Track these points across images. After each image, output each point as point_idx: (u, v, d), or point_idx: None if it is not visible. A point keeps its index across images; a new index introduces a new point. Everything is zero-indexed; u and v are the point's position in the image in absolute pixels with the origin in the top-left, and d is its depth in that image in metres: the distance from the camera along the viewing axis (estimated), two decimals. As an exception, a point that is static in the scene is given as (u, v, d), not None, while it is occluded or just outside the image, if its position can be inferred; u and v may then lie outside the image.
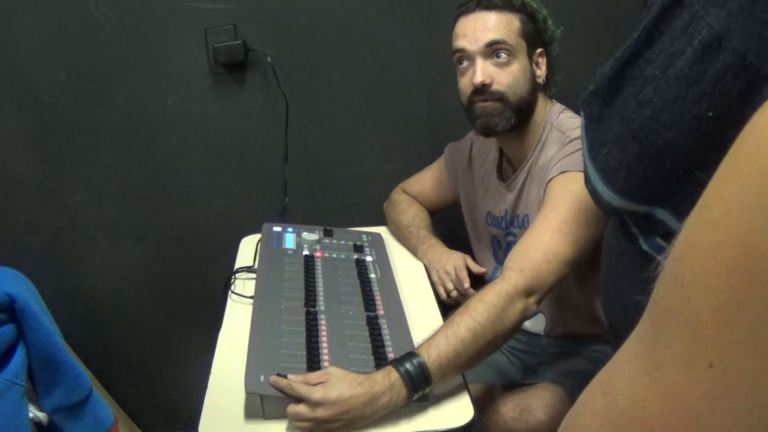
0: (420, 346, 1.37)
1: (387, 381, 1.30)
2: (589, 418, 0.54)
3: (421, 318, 1.67)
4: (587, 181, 1.03)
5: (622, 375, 0.51)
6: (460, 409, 1.38)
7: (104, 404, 1.79)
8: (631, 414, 0.49)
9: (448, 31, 1.74)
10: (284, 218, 2.29)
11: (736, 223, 0.41)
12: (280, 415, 1.33)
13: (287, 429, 1.33)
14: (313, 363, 1.40)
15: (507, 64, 1.66)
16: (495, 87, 1.66)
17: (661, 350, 0.47)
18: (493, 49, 1.65)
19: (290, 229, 2.01)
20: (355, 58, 2.20)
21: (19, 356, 1.55)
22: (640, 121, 0.88)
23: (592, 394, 0.55)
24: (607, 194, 0.97)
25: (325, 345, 1.47)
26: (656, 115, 0.86)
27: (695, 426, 0.44)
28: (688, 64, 0.83)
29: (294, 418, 1.30)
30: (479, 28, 1.66)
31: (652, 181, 0.94)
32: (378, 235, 2.07)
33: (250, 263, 1.96)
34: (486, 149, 1.96)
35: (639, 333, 0.50)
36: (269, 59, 2.15)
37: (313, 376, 1.33)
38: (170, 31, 2.15)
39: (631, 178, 0.93)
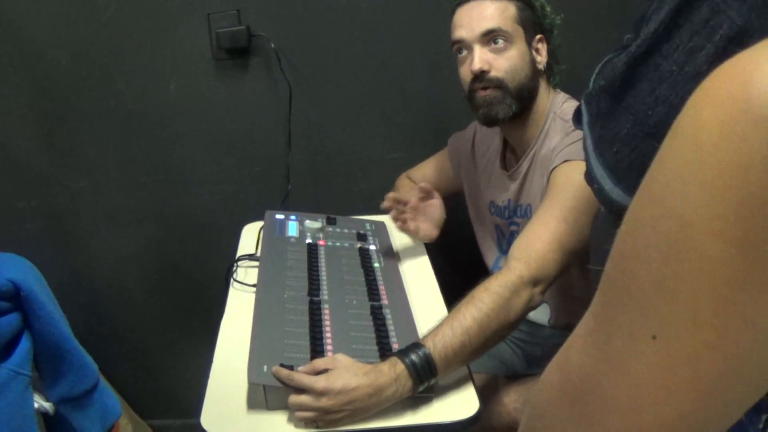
0: (425, 336, 1.36)
1: (393, 372, 1.29)
2: (548, 392, 0.56)
3: (425, 307, 1.66)
4: (592, 179, 1.01)
5: (576, 348, 0.52)
6: (466, 401, 1.37)
7: (111, 394, 1.77)
8: (583, 387, 0.50)
9: (450, 19, 1.73)
10: (287, 206, 2.28)
11: (672, 196, 0.43)
12: (283, 406, 1.32)
13: (290, 420, 1.32)
14: (317, 353, 1.39)
15: (504, 50, 1.66)
16: (493, 73, 1.65)
17: (608, 323, 0.48)
18: (490, 37, 1.65)
19: (293, 217, 2.00)
20: (359, 45, 2.18)
21: (24, 345, 1.53)
22: (656, 118, 0.86)
23: (551, 369, 0.56)
24: (616, 193, 0.95)
25: (328, 335, 1.47)
26: (673, 113, 0.84)
27: (642, 398, 0.46)
28: (708, 60, 0.80)
29: (297, 408, 1.29)
30: (475, 17, 1.66)
31: None
32: (381, 224, 2.06)
33: (252, 251, 1.95)
34: (489, 138, 1.95)
35: (592, 307, 0.52)
36: (273, 45, 2.14)
37: (321, 362, 1.32)
38: (173, 16, 2.13)
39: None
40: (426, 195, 1.88)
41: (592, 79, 1.15)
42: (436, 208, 1.91)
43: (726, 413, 0.46)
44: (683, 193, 0.42)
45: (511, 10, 1.66)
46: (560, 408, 0.53)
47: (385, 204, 1.82)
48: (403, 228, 1.86)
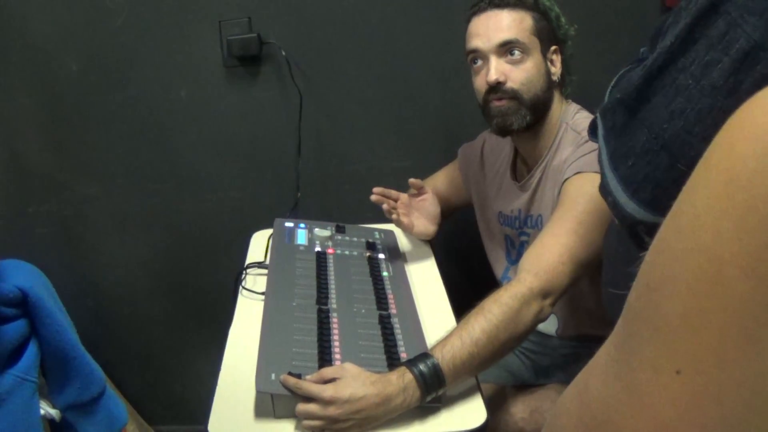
0: (434, 347, 1.36)
1: (401, 382, 1.28)
2: (565, 418, 0.55)
3: (434, 317, 1.66)
4: (606, 192, 1.00)
5: (596, 377, 0.51)
6: (473, 411, 1.37)
7: (118, 401, 1.78)
8: (603, 417, 0.49)
9: (462, 27, 1.73)
10: (296, 213, 2.28)
11: (703, 230, 0.41)
12: (290, 415, 1.32)
13: (297, 428, 1.32)
14: (325, 362, 1.39)
15: (521, 61, 1.64)
16: (509, 85, 1.64)
17: (631, 354, 0.47)
18: (506, 48, 1.64)
19: (302, 225, 2.00)
20: (370, 54, 2.18)
21: (32, 352, 1.53)
22: (672, 131, 0.86)
23: (570, 395, 0.55)
24: (630, 206, 0.94)
25: (336, 344, 1.46)
26: (689, 126, 0.84)
27: None
28: (725, 74, 0.80)
29: (305, 417, 1.28)
30: (492, 28, 1.65)
31: None
32: (391, 232, 2.06)
33: (261, 259, 1.95)
34: (498, 148, 1.95)
35: (614, 336, 0.50)
36: (284, 53, 2.14)
37: (329, 371, 1.32)
38: (184, 23, 2.14)
39: (659, 191, 0.90)
40: (417, 191, 1.91)
41: (608, 92, 1.15)
42: (429, 203, 1.94)
43: None
44: (714, 228, 0.41)
45: (528, 21, 1.65)
46: None
47: (374, 197, 1.85)
48: (398, 222, 1.88)
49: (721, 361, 0.41)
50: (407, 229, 1.91)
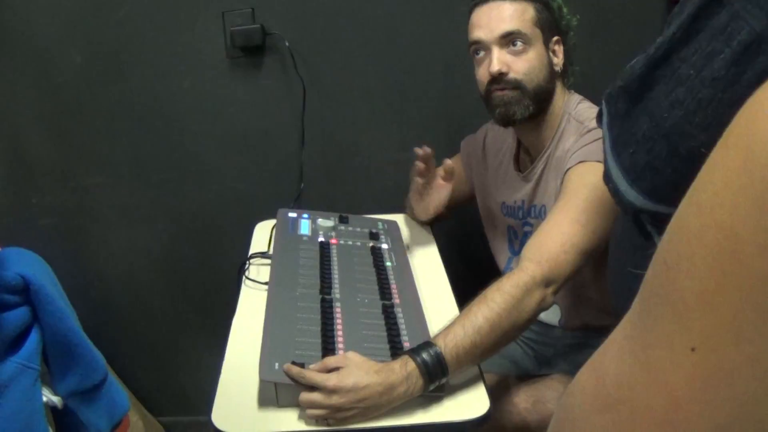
0: (437, 336, 1.36)
1: (404, 371, 1.29)
2: (580, 396, 0.55)
3: (437, 307, 1.66)
4: (608, 179, 1.00)
5: (612, 354, 0.51)
6: (476, 400, 1.37)
7: (119, 389, 1.78)
8: (618, 394, 0.49)
9: (464, 18, 1.73)
10: (299, 204, 2.28)
11: (721, 207, 0.41)
12: (294, 403, 1.32)
13: (301, 417, 1.32)
14: (328, 351, 1.39)
15: (523, 52, 1.64)
16: (512, 75, 1.64)
17: (647, 331, 0.47)
18: (509, 39, 1.64)
19: (305, 215, 2.00)
20: (374, 45, 2.18)
21: (33, 339, 1.53)
22: (672, 121, 0.85)
23: (585, 373, 0.55)
24: (631, 194, 0.94)
25: (340, 333, 1.46)
26: (689, 117, 0.83)
27: (677, 410, 0.45)
28: (726, 66, 0.79)
29: (308, 405, 1.28)
30: (494, 19, 1.65)
31: (680, 183, 0.90)
32: (394, 223, 2.06)
33: (264, 249, 1.95)
34: (500, 139, 1.94)
35: (630, 314, 0.50)
36: (287, 44, 2.14)
37: (332, 360, 1.32)
38: (187, 14, 2.14)
39: (659, 179, 0.90)
40: (447, 175, 1.83)
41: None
42: (442, 192, 1.87)
43: (761, 430, 0.46)
44: (732, 205, 0.41)
45: (530, 12, 1.65)
46: (592, 414, 0.52)
47: (420, 152, 1.81)
48: (414, 182, 1.90)
49: (736, 339, 0.41)
50: (417, 194, 1.92)
